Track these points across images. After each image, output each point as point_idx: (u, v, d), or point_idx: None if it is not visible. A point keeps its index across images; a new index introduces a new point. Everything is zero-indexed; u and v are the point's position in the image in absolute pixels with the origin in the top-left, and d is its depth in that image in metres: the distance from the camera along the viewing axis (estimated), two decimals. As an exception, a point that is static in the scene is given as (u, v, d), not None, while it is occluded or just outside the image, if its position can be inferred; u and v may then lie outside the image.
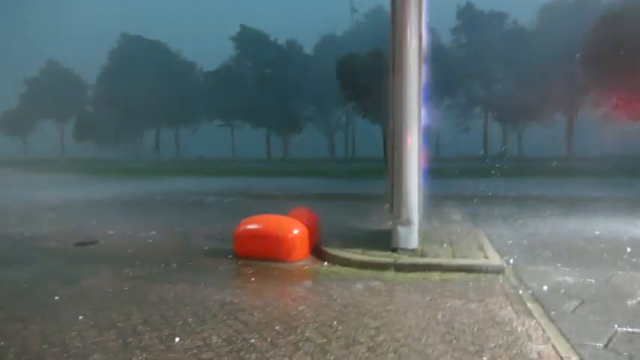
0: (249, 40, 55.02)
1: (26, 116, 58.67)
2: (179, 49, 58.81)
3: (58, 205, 12.59)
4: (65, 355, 3.31)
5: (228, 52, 56.24)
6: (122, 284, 5.00)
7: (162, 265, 5.88)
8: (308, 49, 56.01)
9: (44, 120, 60.55)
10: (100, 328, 3.77)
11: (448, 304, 4.28)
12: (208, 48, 59.76)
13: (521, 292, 4.66)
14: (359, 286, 4.92)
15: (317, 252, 6.25)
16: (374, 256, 5.81)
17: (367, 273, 5.40)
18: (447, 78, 38.72)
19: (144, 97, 53.06)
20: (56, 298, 4.58)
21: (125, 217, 10.10)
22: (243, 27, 55.21)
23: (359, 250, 6.08)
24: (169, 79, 53.90)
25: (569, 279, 5.10)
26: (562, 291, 4.69)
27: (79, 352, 3.36)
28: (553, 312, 4.08)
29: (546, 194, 13.29)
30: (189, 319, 3.95)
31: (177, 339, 3.55)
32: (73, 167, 33.89)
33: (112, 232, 8.21)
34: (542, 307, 4.22)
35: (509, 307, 4.19)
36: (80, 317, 4.02)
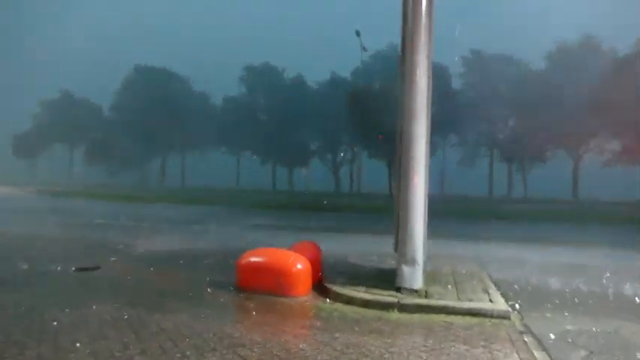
0: (259, 74, 56.22)
1: (38, 140, 59.50)
2: (190, 77, 59.99)
3: (60, 228, 12.59)
4: (60, 384, 3.25)
5: (238, 84, 57.39)
6: (122, 312, 4.94)
7: (163, 294, 5.82)
8: (315, 85, 57.06)
9: (56, 144, 61.30)
10: (96, 357, 3.71)
11: (452, 349, 4.19)
12: (218, 78, 61.03)
13: (527, 339, 4.56)
14: (361, 325, 4.83)
15: (319, 288, 6.18)
16: (377, 294, 5.73)
17: (370, 312, 5.31)
18: (453, 117, 39.19)
19: (153, 124, 53.88)
20: (54, 323, 4.52)
21: (127, 244, 10.06)
22: (249, 66, 56.44)
23: (362, 288, 6.00)
24: (179, 108, 54.79)
25: (577, 328, 4.98)
26: (569, 340, 4.58)
27: (74, 381, 3.29)
28: (560, 362, 3.98)
29: (552, 238, 13.17)
30: (188, 352, 3.88)
31: (174, 372, 3.48)
32: (79, 192, 34.03)
33: (114, 258, 8.16)
34: (549, 356, 4.11)
35: (515, 355, 4.08)
36: (77, 344, 3.96)
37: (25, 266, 7.12)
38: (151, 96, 55.30)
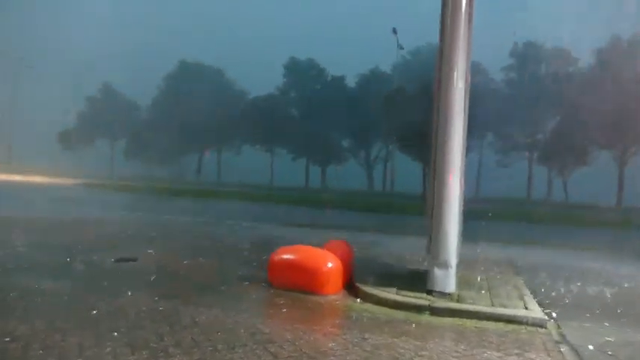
0: (298, 70, 56.66)
1: (83, 133, 62.04)
2: (230, 74, 61.04)
3: (102, 222, 13.09)
4: (98, 370, 3.38)
5: (275, 82, 57.97)
6: (157, 304, 5.09)
7: (197, 287, 5.96)
8: (351, 82, 56.93)
9: (98, 139, 63.71)
10: (133, 347, 3.84)
11: (484, 355, 4.10)
12: (257, 74, 61.68)
13: (563, 349, 4.41)
14: (391, 327, 4.80)
15: (350, 287, 6.18)
16: (408, 297, 5.68)
17: (401, 314, 5.27)
18: (491, 116, 38.18)
19: (191, 120, 55.16)
20: (94, 312, 4.71)
21: (164, 237, 10.36)
22: (292, 59, 57.01)
23: (393, 290, 5.95)
24: (218, 104, 55.83)
25: (618, 339, 4.78)
26: (609, 352, 4.40)
27: (111, 369, 3.42)
28: (599, 374, 3.83)
29: (593, 244, 12.68)
30: (219, 346, 3.96)
31: (206, 365, 3.56)
32: (122, 186, 35.24)
33: (151, 250, 8.42)
34: (587, 367, 3.97)
35: (550, 365, 3.96)
36: (115, 334, 4.11)
37: (68, 258, 7.43)
38: (189, 91, 56.63)
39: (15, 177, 39.31)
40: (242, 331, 4.37)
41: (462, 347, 4.29)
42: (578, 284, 7.48)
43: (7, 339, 3.85)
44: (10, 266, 6.57)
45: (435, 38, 6.54)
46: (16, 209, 14.60)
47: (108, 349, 3.75)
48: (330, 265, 5.95)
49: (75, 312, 4.71)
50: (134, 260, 7.45)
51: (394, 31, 42.20)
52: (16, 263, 6.79)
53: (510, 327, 4.99)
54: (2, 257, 7.12)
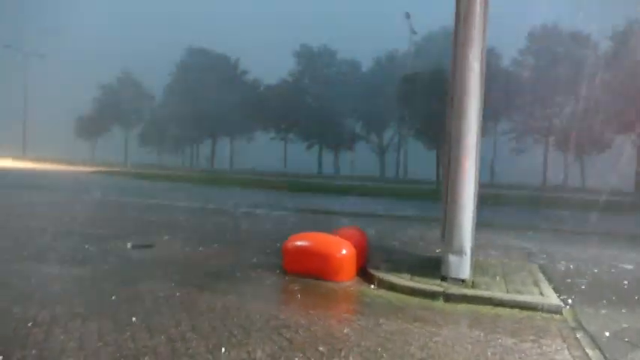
0: (310, 56, 56.32)
1: (99, 122, 62.73)
2: (239, 61, 60.85)
3: (117, 207, 13.28)
4: (118, 355, 3.46)
5: (288, 66, 57.73)
6: (174, 290, 5.17)
7: (213, 274, 6.04)
8: (364, 67, 56.44)
9: (113, 126, 64.37)
10: (151, 332, 3.91)
11: (499, 341, 4.10)
12: (268, 60, 61.45)
13: (579, 335, 4.38)
14: (405, 313, 4.82)
15: (364, 273, 6.19)
16: (422, 283, 5.68)
17: (415, 300, 5.28)
18: (506, 100, 37.58)
19: (204, 108, 55.35)
20: (113, 297, 4.80)
21: (179, 223, 10.48)
22: (303, 45, 56.67)
23: (407, 276, 5.96)
24: (230, 92, 55.85)
25: (636, 326, 4.73)
26: (626, 339, 4.37)
27: (130, 353, 3.49)
28: (615, 361, 3.81)
29: (610, 231, 12.50)
30: (235, 331, 4.02)
31: (223, 349, 3.62)
32: (139, 174, 35.65)
33: (167, 237, 8.53)
34: (604, 354, 3.94)
35: (565, 352, 3.94)
36: (134, 319, 4.19)
37: (87, 245, 7.56)
38: (202, 79, 56.70)
39: (29, 165, 40.01)
40: (257, 316, 4.43)
41: (477, 333, 4.29)
42: (595, 270, 7.40)
43: (30, 324, 3.96)
44: (30, 253, 6.72)
45: (450, 22, 6.43)
46: (30, 196, 14.88)
47: (127, 334, 3.83)
48: (343, 251, 5.96)
49: (94, 298, 4.82)
50: (151, 246, 7.56)
51: (407, 15, 41.60)
52: (35, 250, 6.94)
53: (525, 313, 4.97)
54: (21, 244, 7.28)
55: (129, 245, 7.53)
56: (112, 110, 61.21)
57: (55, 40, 70.87)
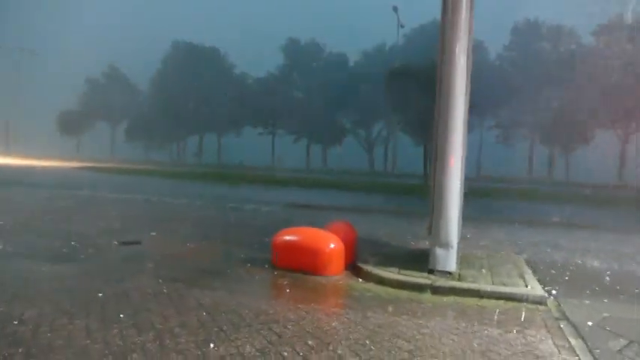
0: (297, 50, 56.09)
1: (84, 117, 61.82)
2: (227, 55, 60.32)
3: (104, 203, 13.15)
4: (107, 352, 3.44)
5: (275, 61, 57.44)
6: (162, 286, 5.15)
7: (201, 270, 6.03)
8: (353, 62, 56.35)
9: (99, 121, 63.52)
10: (139, 329, 3.90)
11: (485, 332, 4.17)
12: (255, 55, 61.07)
13: (563, 325, 4.48)
14: (394, 306, 4.87)
15: (352, 268, 6.24)
16: (410, 276, 5.74)
17: (402, 293, 5.34)
18: (492, 95, 37.88)
19: (191, 102, 54.90)
20: (100, 295, 4.77)
21: (166, 220, 10.42)
22: (290, 39, 56.40)
23: (395, 269, 6.02)
24: (217, 86, 55.45)
25: (617, 315, 4.85)
26: (608, 328, 4.47)
27: (119, 350, 3.48)
28: (597, 350, 3.90)
29: (593, 223, 12.73)
30: (224, 327, 4.03)
31: (212, 345, 3.63)
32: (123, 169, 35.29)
33: (154, 233, 8.48)
34: (586, 343, 4.03)
35: (549, 341, 4.03)
36: (121, 316, 4.17)
37: (73, 241, 7.49)
38: (189, 73, 56.16)
39: (13, 161, 39.36)
40: (246, 311, 4.44)
41: (463, 325, 4.36)
42: (579, 262, 7.55)
43: (16, 322, 3.92)
44: (17, 251, 6.64)
45: (438, 15, 6.46)
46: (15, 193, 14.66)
47: (115, 331, 3.81)
48: (332, 245, 5.99)
49: (81, 295, 4.77)
50: (138, 243, 7.51)
51: (394, 9, 41.60)
52: (22, 248, 6.86)
53: (511, 304, 5.05)
54: (6, 241, 7.18)
55: (116, 242, 7.47)
56: (97, 105, 60.43)
57: (41, 35, 69.63)
